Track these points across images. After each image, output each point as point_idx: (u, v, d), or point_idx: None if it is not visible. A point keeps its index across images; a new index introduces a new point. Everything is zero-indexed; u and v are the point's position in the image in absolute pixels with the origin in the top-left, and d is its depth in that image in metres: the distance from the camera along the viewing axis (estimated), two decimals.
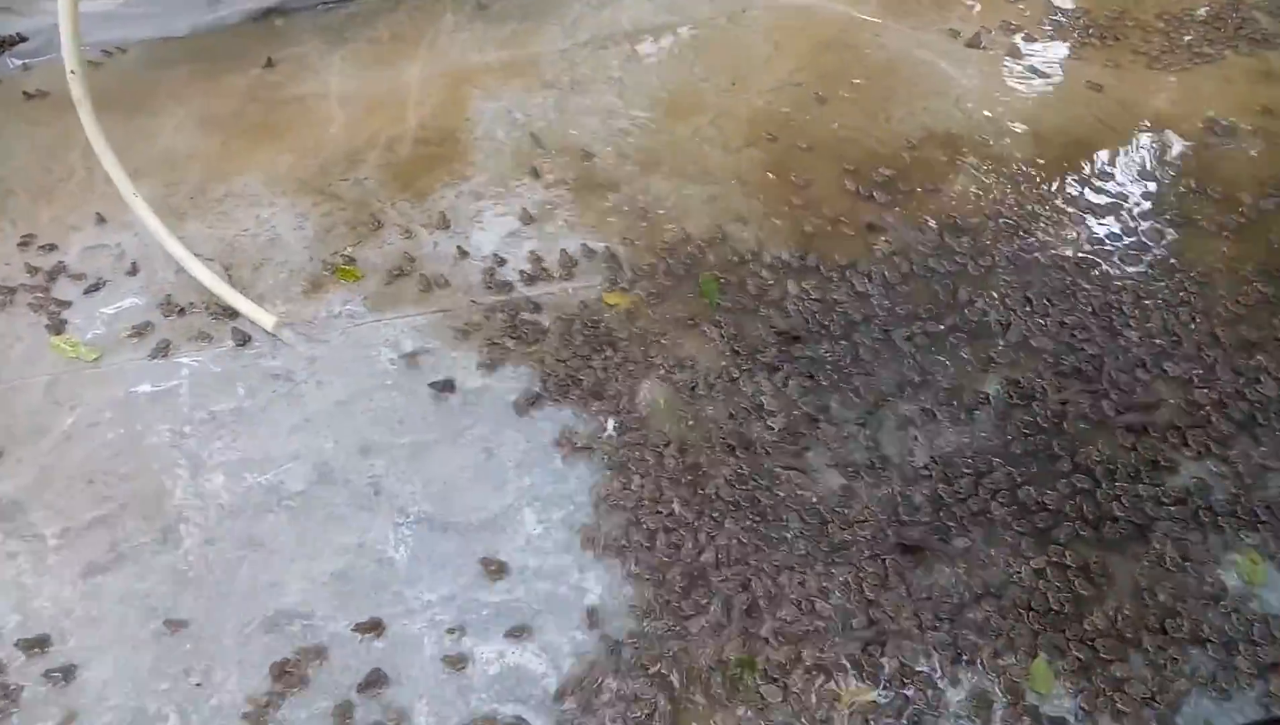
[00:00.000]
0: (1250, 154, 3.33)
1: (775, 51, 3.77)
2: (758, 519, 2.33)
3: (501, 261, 2.95)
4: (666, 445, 2.47)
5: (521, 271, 2.93)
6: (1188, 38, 3.84)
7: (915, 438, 2.51)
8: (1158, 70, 3.71)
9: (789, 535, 2.30)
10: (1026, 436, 2.51)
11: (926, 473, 2.43)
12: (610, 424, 2.53)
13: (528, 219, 3.09)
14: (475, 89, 3.62)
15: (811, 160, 3.31)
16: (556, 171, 3.26)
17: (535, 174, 3.26)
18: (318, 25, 4.00)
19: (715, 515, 2.33)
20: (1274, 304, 2.81)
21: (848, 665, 2.09)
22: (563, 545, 2.29)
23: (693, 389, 2.61)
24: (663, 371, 2.65)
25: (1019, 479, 2.41)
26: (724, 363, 2.67)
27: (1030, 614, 2.17)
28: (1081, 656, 2.10)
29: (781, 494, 2.38)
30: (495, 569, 2.24)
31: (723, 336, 2.73)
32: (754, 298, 2.84)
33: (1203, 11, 3.97)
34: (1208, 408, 2.55)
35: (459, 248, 2.99)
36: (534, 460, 2.45)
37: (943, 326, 2.76)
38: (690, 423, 2.53)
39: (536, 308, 2.82)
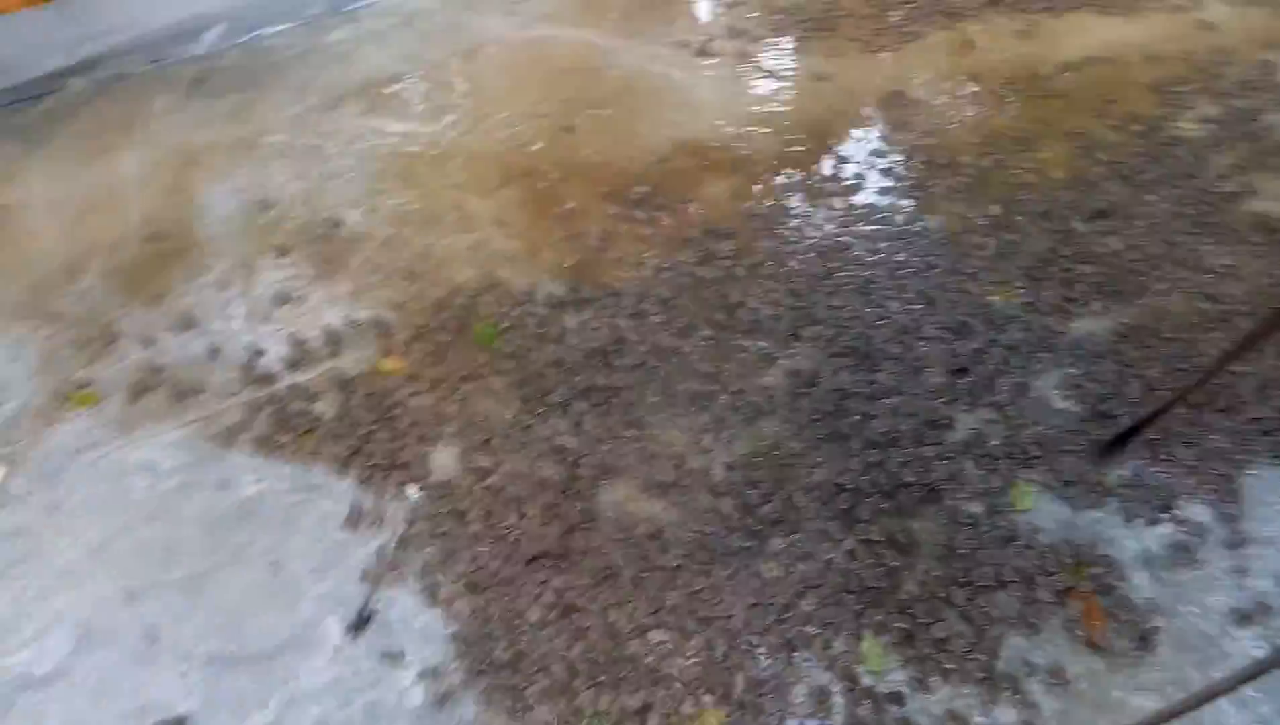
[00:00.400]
0: (965, 117, 3.58)
1: (515, 86, 3.74)
2: (580, 561, 2.26)
3: (259, 352, 2.75)
4: (472, 508, 2.37)
5: (283, 358, 2.73)
6: (894, 19, 4.11)
7: (711, 448, 2.52)
8: (874, 53, 3.95)
9: (615, 572, 2.25)
10: (815, 422, 2.57)
11: (729, 481, 2.44)
12: (411, 493, 2.39)
13: (282, 301, 2.90)
14: (202, 171, 3.38)
15: (568, 189, 3.29)
16: (306, 245, 3.08)
17: (283, 251, 3.07)
18: (10, 127, 3.62)
19: (537, 570, 2.24)
20: (1011, 252, 3.02)
21: (697, 691, 2.06)
22: (376, 648, 2.13)
23: (487, 442, 2.51)
24: (454, 430, 2.54)
25: (815, 466, 2.47)
26: (514, 411, 2.59)
27: (850, 596, 2.21)
28: (904, 626, 2.16)
29: (599, 534, 2.32)
30: (303, 694, 2.06)
31: (509, 384, 2.65)
32: (535, 338, 2.78)
33: None
34: (965, 359, 2.70)
35: (210, 346, 2.76)
36: (330, 561, 2.28)
37: (721, 332, 2.80)
38: (492, 477, 2.44)
39: (307, 393, 2.64)
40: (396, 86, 3.74)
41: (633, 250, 3.06)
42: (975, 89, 3.73)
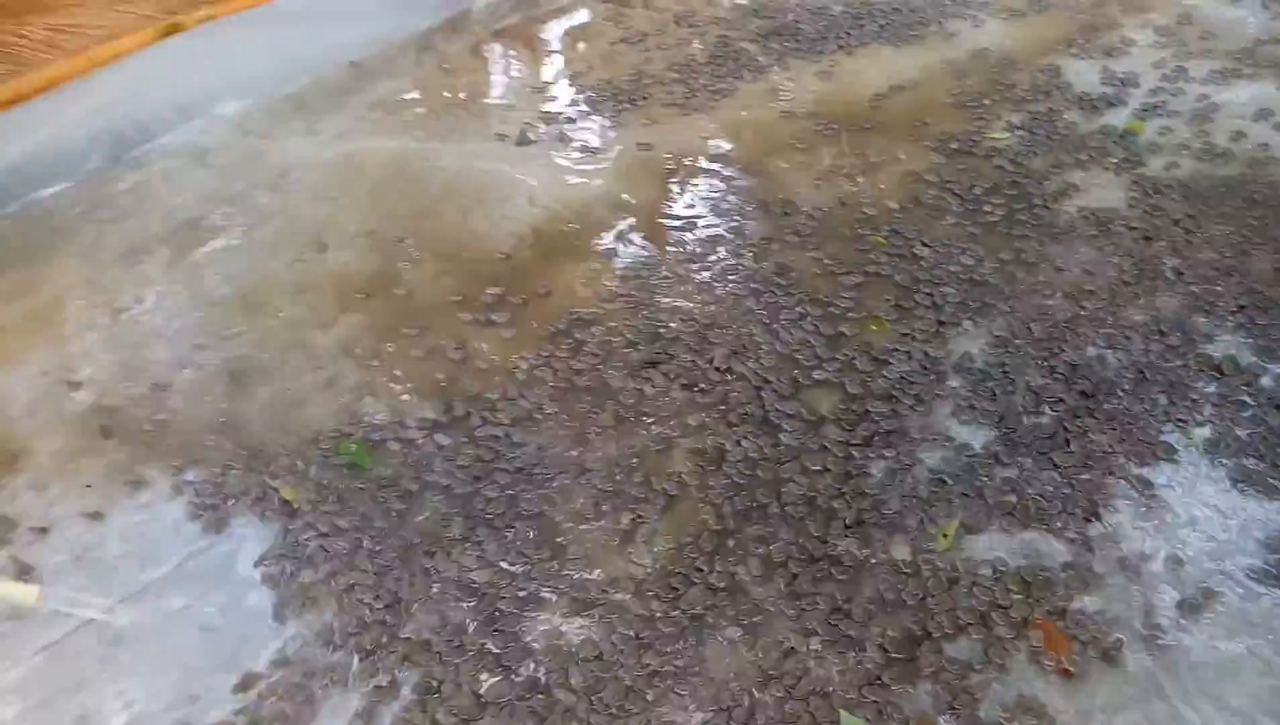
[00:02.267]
0: (792, 162, 3.63)
1: (334, 208, 3.50)
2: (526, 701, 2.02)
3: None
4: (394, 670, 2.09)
5: None
6: (702, 81, 4.15)
7: (632, 551, 2.35)
8: (691, 114, 3.97)
9: (568, 705, 2.02)
10: (731, 498, 2.45)
11: (659, 580, 2.27)
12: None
13: (116, 492, 2.53)
14: None
15: (415, 305, 3.08)
16: (133, 424, 2.73)
17: (106, 433, 2.70)
18: None
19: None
20: (873, 286, 3.03)
21: None
22: None
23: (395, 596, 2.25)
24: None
25: (743, 546, 2.34)
26: (403, 555, 2.33)
27: (815, 680, 2.08)
28: (876, 699, 2.04)
29: (538, 667, 2.09)
30: None
31: (395, 523, 2.39)
32: (415, 467, 2.54)
33: (702, 55, 4.34)
34: (859, 402, 2.66)
35: (15, 561, 2.36)
36: None
37: (614, 424, 2.65)
38: (406, 630, 2.17)
39: None
40: (202, 229, 3.43)
41: (499, 356, 2.87)
42: (796, 133, 3.79)
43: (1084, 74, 3.99)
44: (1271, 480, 2.38)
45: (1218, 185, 3.31)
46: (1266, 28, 4.25)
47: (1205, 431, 2.51)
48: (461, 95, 4.11)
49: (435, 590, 2.27)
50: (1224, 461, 2.43)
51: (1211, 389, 2.61)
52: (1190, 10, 4.43)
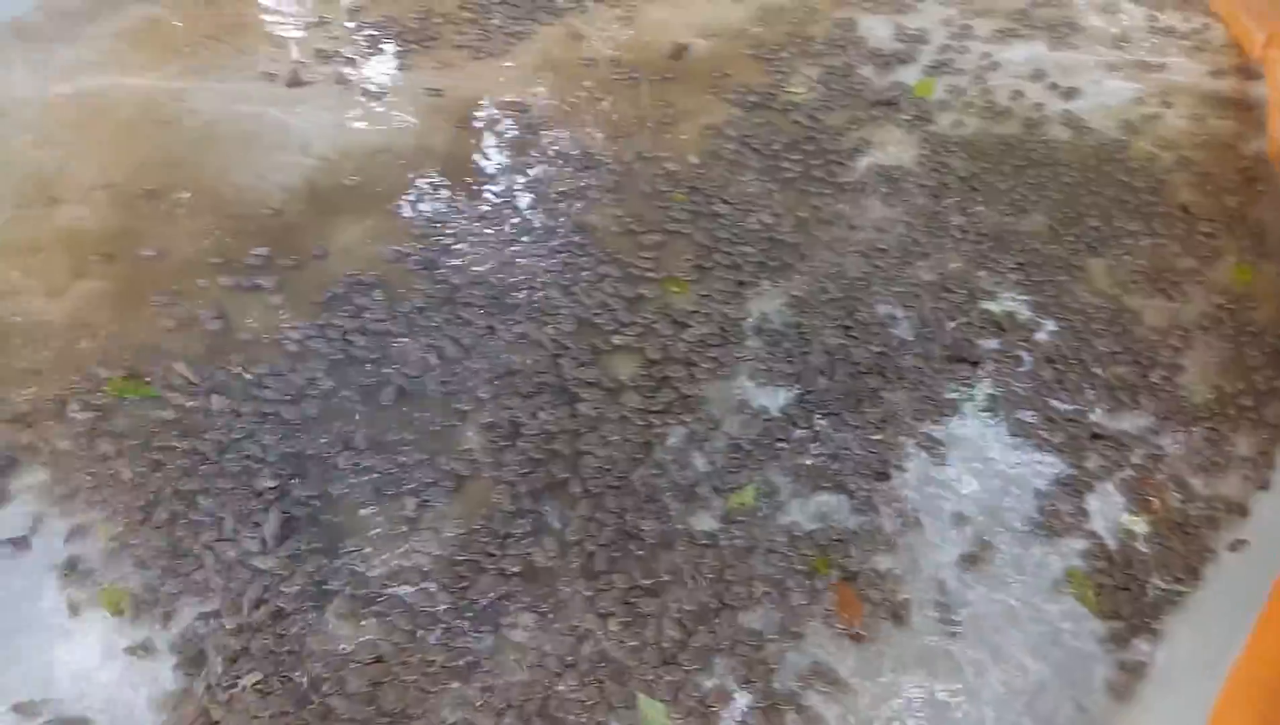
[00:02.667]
0: (595, 112, 3.46)
1: (68, 155, 3.04)
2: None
3: None
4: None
5: None
6: (496, 21, 3.89)
7: (418, 538, 2.17)
8: (485, 58, 3.71)
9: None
10: (527, 475, 2.30)
11: (449, 568, 2.11)
12: None
13: None
14: None
15: (168, 267, 2.72)
16: None
17: None
18: None
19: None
20: (674, 245, 2.93)
21: None
22: None
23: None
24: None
25: (539, 525, 2.21)
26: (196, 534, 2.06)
27: (612, 665, 1.99)
28: (673, 679, 1.98)
29: (319, 664, 1.89)
30: None
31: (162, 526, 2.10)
32: (185, 456, 2.24)
33: None
34: (658, 368, 2.57)
35: None
36: None
37: (397, 401, 2.44)
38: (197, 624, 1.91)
39: None
40: None
41: (265, 324, 2.58)
42: (596, 82, 3.62)
43: (877, 29, 4.02)
44: (1043, 432, 2.48)
45: (998, 144, 3.42)
46: None
47: (986, 387, 2.59)
48: (224, 28, 3.66)
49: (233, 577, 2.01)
50: (1003, 416, 2.52)
51: (993, 345, 2.70)
52: None
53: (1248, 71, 3.93)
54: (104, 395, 2.37)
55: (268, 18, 3.75)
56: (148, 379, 2.40)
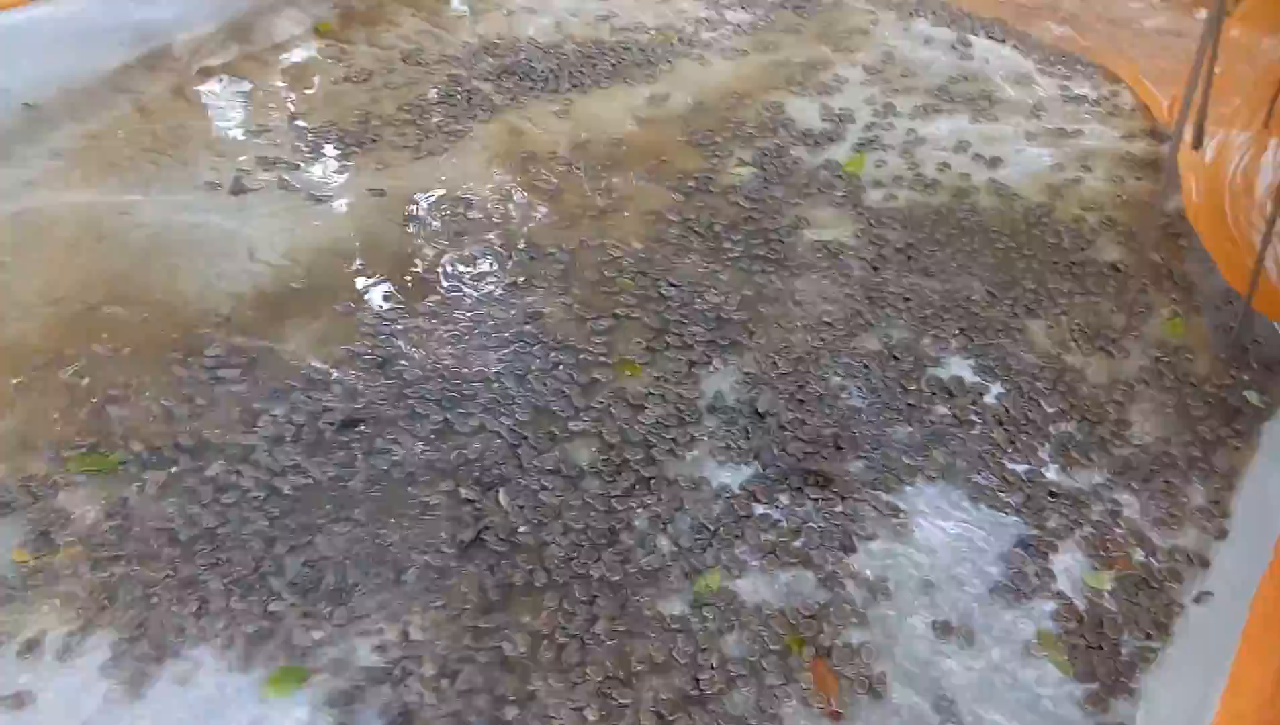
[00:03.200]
0: (532, 203, 3.52)
1: (14, 276, 2.98)
2: None
3: None
4: None
5: None
6: (435, 121, 3.97)
7: (381, 643, 2.11)
8: (425, 157, 3.76)
9: None
10: (491, 570, 2.27)
11: (429, 674, 2.05)
12: None
13: None
14: None
15: (113, 380, 2.67)
16: None
17: None
18: None
19: None
20: (623, 329, 2.96)
21: None
22: None
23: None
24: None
25: (510, 623, 2.16)
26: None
27: None
28: None
29: None
30: None
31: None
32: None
33: (433, 94, 4.14)
34: (617, 452, 2.57)
35: None
36: None
37: (362, 486, 2.40)
38: None
39: None
40: None
41: (229, 414, 2.54)
42: (537, 174, 3.69)
43: (805, 110, 4.18)
44: (1001, 493, 2.52)
45: (930, 214, 3.55)
46: (956, 66, 4.65)
47: (941, 452, 2.63)
48: (163, 140, 3.67)
49: None
50: (960, 480, 2.55)
51: (944, 410, 2.75)
52: (890, 51, 4.78)
53: (1158, 134, 4.15)
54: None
55: (208, 131, 3.77)
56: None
